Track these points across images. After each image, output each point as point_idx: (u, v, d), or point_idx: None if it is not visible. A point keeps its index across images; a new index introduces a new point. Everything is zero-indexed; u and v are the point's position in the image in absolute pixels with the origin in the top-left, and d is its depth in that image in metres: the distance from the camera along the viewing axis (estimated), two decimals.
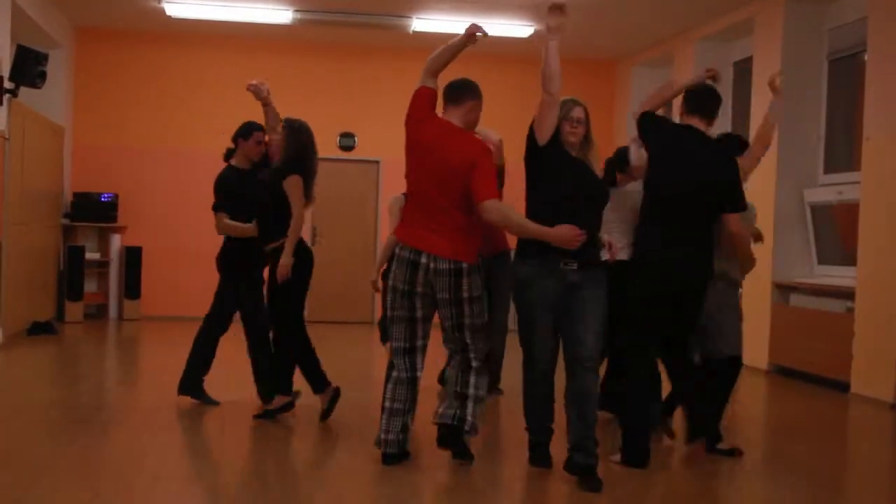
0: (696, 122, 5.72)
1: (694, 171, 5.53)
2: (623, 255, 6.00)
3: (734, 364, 5.97)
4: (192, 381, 6.99)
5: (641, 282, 5.53)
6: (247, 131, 7.09)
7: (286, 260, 6.36)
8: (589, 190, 5.23)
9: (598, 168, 5.46)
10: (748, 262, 5.95)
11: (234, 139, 7.11)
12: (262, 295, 6.87)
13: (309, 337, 6.68)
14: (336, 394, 6.64)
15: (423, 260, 5.19)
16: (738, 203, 5.59)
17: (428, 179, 5.24)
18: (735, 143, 6.26)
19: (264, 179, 6.66)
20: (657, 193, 5.58)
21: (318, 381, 6.67)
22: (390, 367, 5.45)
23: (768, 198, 9.78)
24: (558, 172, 5.18)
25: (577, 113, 5.31)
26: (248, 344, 6.97)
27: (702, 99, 5.85)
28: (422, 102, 5.37)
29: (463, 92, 5.43)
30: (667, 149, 5.65)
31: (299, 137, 6.65)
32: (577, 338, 5.14)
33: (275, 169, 6.61)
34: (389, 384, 5.39)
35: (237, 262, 6.94)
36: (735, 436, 6.42)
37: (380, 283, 7.73)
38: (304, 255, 6.53)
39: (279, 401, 6.63)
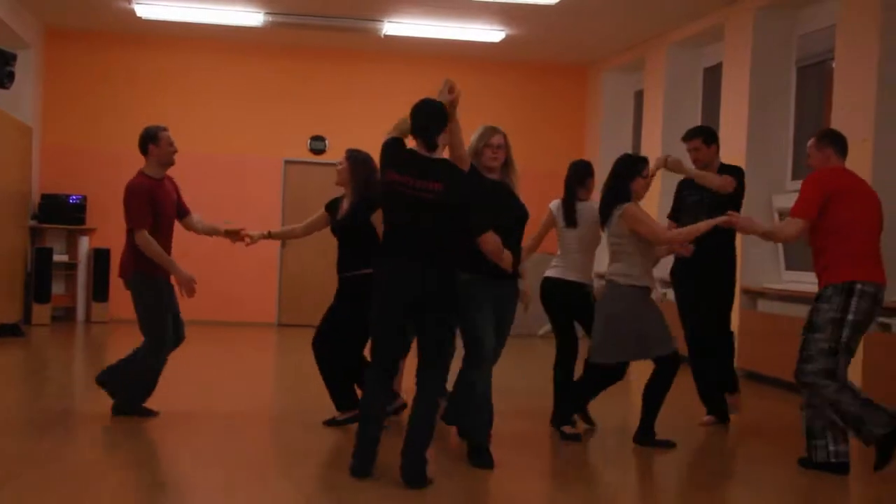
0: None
1: None
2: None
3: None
4: None
5: None
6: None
7: None
8: (515, 211, 5.81)
9: (518, 189, 5.95)
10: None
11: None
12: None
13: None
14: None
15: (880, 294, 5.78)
16: None
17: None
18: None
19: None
20: None
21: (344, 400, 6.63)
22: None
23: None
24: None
25: (497, 140, 5.82)
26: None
27: None
28: None
29: None
30: None
31: (365, 169, 6.51)
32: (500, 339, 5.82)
33: (358, 202, 6.50)
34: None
35: None
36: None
37: None
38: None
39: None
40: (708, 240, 6.37)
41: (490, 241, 5.23)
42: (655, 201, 10.99)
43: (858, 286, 5.66)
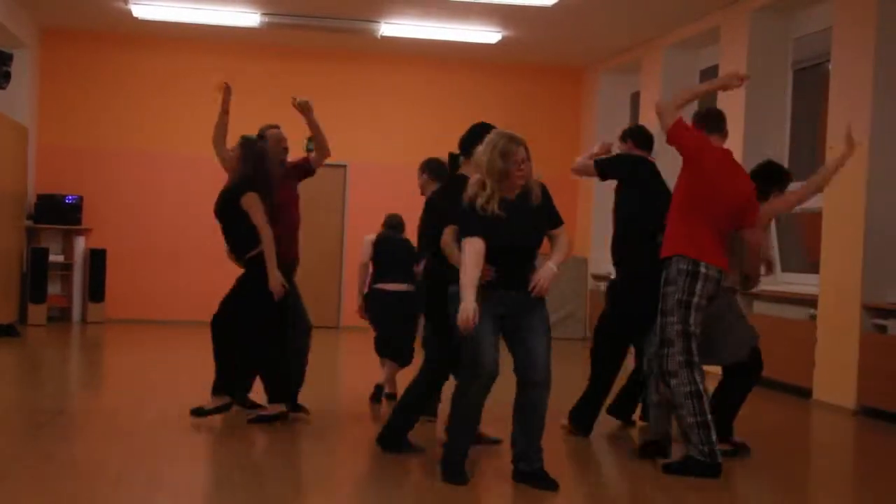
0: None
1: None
2: None
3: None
4: None
5: None
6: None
7: (274, 280, 6.41)
8: (522, 240, 5.14)
9: (535, 198, 5.16)
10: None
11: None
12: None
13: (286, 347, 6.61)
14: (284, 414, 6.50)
15: (722, 278, 5.70)
16: None
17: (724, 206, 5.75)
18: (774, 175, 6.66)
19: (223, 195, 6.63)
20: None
21: (278, 394, 6.54)
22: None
23: None
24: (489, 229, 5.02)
25: (521, 154, 4.95)
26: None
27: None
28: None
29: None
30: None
31: (252, 155, 6.54)
32: (525, 357, 5.15)
33: (233, 186, 6.57)
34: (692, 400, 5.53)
35: None
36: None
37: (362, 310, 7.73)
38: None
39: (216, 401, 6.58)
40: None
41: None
42: None
43: (703, 269, 5.58)
